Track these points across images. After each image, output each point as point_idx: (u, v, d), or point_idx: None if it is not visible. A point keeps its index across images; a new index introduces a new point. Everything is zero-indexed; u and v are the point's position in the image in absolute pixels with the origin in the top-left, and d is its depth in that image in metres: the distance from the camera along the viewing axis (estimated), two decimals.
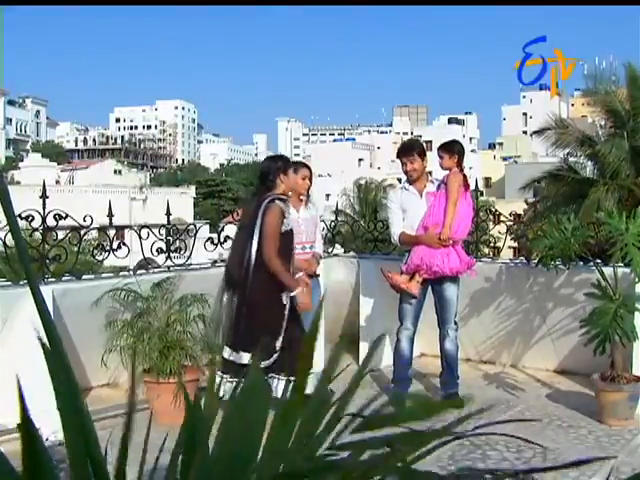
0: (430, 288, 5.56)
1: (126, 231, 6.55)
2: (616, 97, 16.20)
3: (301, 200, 5.59)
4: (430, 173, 5.85)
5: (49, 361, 1.02)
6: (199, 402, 1.18)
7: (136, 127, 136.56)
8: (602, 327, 4.74)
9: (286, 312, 4.78)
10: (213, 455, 1.10)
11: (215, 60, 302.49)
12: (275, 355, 4.69)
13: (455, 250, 5.35)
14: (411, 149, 5.63)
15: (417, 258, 5.33)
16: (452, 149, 5.46)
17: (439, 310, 5.57)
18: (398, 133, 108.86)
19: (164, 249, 5.78)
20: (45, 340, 1.04)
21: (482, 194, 24.07)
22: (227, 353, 4.78)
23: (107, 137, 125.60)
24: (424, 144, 5.96)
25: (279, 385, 4.63)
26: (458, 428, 1.03)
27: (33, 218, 4.86)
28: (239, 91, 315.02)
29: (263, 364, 4.50)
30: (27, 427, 0.84)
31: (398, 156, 5.66)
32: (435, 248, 5.30)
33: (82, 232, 5.35)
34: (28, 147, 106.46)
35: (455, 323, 5.57)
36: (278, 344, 4.72)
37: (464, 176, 5.45)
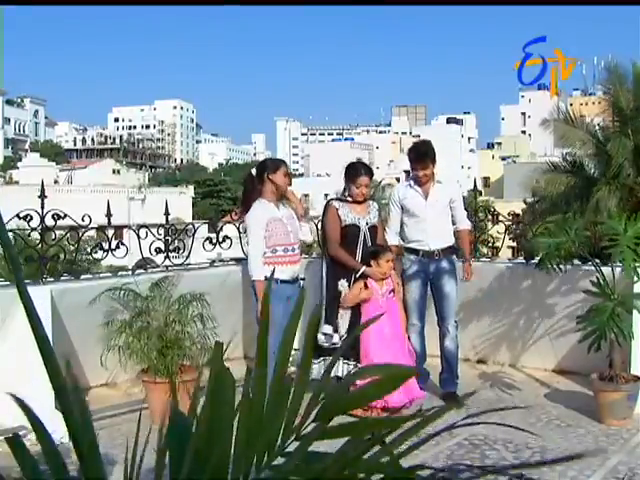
0: (429, 285, 5.58)
1: (125, 231, 6.56)
2: (622, 94, 16.16)
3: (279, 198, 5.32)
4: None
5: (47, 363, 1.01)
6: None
7: (135, 127, 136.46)
8: (598, 324, 4.74)
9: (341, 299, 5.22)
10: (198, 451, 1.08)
11: (214, 60, 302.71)
12: (335, 339, 5.11)
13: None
14: (425, 156, 5.51)
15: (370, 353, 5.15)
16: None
17: (439, 307, 5.58)
18: (397, 133, 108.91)
19: (163, 249, 5.78)
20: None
21: (481, 194, 24.04)
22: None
23: (106, 137, 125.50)
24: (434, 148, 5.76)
25: (341, 368, 5.00)
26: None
27: (32, 218, 4.86)
28: (238, 91, 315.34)
29: (324, 344, 5.05)
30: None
31: (411, 161, 5.55)
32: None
33: (80, 232, 5.35)
34: (27, 147, 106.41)
35: (455, 321, 5.58)
36: (340, 329, 5.16)
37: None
